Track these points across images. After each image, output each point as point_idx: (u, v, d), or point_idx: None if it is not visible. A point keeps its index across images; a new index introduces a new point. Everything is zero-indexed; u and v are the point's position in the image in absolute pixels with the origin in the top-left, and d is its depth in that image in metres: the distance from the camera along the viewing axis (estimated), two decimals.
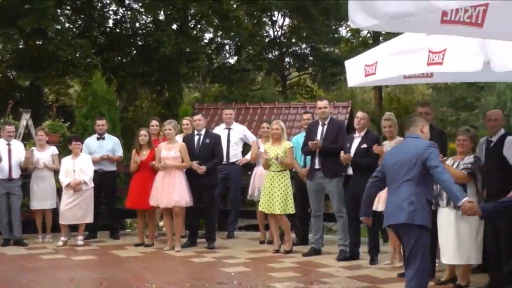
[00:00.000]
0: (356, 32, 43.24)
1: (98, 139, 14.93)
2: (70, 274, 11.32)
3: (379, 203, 11.04)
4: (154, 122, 15.06)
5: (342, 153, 11.59)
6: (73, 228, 14.38)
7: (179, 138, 13.97)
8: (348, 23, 40.19)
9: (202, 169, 13.34)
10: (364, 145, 11.59)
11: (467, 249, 9.56)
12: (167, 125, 13.52)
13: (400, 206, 7.44)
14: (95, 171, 14.37)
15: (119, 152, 15.08)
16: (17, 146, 14.40)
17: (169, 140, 13.50)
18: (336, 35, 43.24)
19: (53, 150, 14.62)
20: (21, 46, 28.40)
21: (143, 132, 14.04)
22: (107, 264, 12.41)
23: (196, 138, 13.78)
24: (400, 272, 10.74)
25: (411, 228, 7.38)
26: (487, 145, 9.67)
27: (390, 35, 11.24)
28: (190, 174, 13.45)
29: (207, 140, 13.72)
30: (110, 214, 15.38)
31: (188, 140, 13.80)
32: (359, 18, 5.26)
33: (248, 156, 14.65)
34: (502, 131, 9.61)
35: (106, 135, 15.09)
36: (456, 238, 9.56)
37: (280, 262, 12.11)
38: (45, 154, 14.47)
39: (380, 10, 5.09)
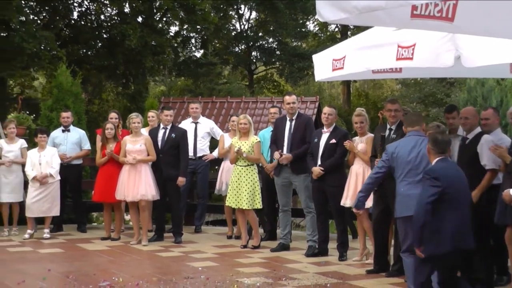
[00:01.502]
0: (324, 26, 43.40)
1: (63, 131, 14.92)
2: (36, 267, 11.36)
3: (347, 199, 11.17)
4: (113, 115, 14.98)
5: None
6: (40, 221, 14.33)
7: (145, 131, 13.97)
8: (316, 17, 40.33)
9: (182, 182, 13.58)
10: (333, 140, 11.61)
11: None
12: (135, 118, 13.52)
13: None
14: (61, 164, 14.36)
15: (86, 145, 15.10)
16: None
17: (134, 133, 13.50)
18: (303, 29, 43.34)
19: (22, 143, 14.55)
20: None
21: (109, 125, 13.97)
22: (74, 257, 12.36)
23: (162, 132, 13.77)
24: (369, 269, 10.86)
25: None
26: (462, 142, 9.68)
27: (358, 30, 11.32)
28: (155, 167, 13.54)
29: (173, 135, 13.72)
30: (76, 208, 15.39)
31: (153, 133, 13.82)
32: (327, 11, 5.27)
33: (215, 153, 14.74)
34: (479, 129, 9.61)
35: (72, 127, 15.09)
36: None
37: (248, 258, 12.15)
38: (14, 147, 14.41)
39: (349, 4, 5.11)
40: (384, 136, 10.40)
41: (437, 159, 8.00)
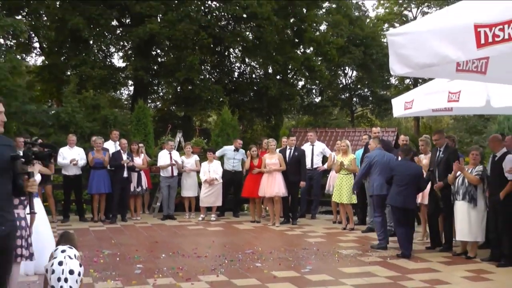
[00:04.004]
0: (402, 80, 42.73)
1: (234, 150, 14.93)
2: (205, 239, 11.51)
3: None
4: (252, 146, 14.99)
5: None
6: (208, 209, 14.48)
7: (277, 150, 13.98)
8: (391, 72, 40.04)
9: (303, 184, 13.79)
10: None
11: (475, 230, 9.45)
12: (271, 142, 13.77)
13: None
14: (230, 171, 14.68)
15: (246, 159, 15.01)
16: (174, 155, 14.61)
17: (271, 152, 13.55)
18: (387, 83, 42.72)
19: (195, 157, 14.78)
20: (178, 90, 28.90)
21: (253, 148, 14.24)
22: (230, 233, 12.48)
23: (288, 151, 13.83)
24: (428, 246, 10.56)
25: None
26: (492, 159, 9.41)
27: (424, 81, 11.21)
28: (284, 175, 13.48)
29: (296, 153, 13.77)
30: (235, 201, 15.41)
31: (283, 152, 13.88)
32: (396, 67, 5.15)
33: (325, 165, 14.64)
34: (504, 149, 9.30)
35: (240, 149, 15.08)
36: (468, 222, 9.46)
37: (346, 236, 12.00)
38: (191, 160, 14.65)
39: (412, 62, 4.98)
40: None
41: (400, 158, 10.30)
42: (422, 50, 4.78)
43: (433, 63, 4.85)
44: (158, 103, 35.03)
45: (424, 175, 10.38)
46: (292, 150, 13.78)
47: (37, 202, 8.34)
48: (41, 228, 8.18)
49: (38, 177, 8.16)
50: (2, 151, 4.24)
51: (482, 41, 4.23)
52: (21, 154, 4.47)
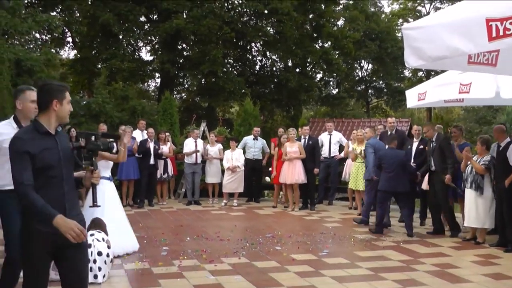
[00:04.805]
0: (415, 72, 42.43)
1: (253, 139, 14.93)
2: (228, 223, 11.55)
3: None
4: (281, 130, 14.99)
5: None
6: (231, 195, 14.49)
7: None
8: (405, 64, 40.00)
9: (317, 171, 13.72)
10: (421, 147, 11.27)
11: (483, 217, 9.43)
12: (291, 131, 13.74)
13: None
14: (251, 159, 14.67)
15: (267, 150, 15.02)
16: (199, 143, 14.63)
17: (291, 140, 13.50)
18: (401, 75, 42.45)
19: (219, 146, 14.78)
20: (202, 82, 28.92)
21: (284, 136, 14.05)
22: (251, 218, 12.49)
23: (303, 140, 13.83)
24: (429, 231, 10.60)
25: None
26: (497, 149, 9.36)
27: (436, 74, 11.15)
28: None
29: (310, 142, 13.79)
30: (256, 187, 15.37)
31: (299, 140, 13.83)
32: (411, 59, 5.11)
33: (342, 154, 14.56)
34: (508, 139, 9.23)
35: (259, 138, 15.07)
36: (476, 209, 9.46)
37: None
38: (214, 148, 14.66)
39: (425, 54, 4.93)
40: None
41: (387, 146, 10.80)
42: (435, 43, 4.74)
43: (445, 56, 4.81)
44: (183, 94, 35.08)
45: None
46: (307, 139, 13.75)
47: (112, 187, 8.45)
48: (117, 214, 8.27)
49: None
50: (66, 142, 3.99)
51: (494, 34, 4.17)
52: (83, 145, 4.22)
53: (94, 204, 4.47)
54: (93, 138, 4.20)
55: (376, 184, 10.81)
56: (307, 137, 13.84)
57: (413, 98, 10.09)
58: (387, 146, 10.89)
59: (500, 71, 5.74)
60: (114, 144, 4.77)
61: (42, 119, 3.88)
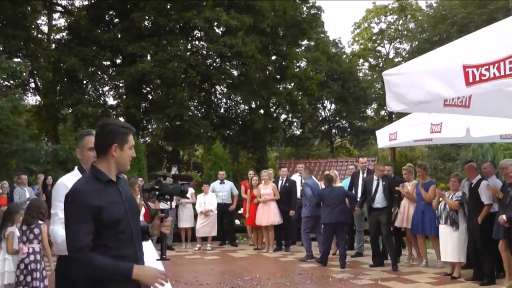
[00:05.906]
0: (378, 111, 43.33)
1: (220, 183, 15.10)
2: (204, 267, 11.59)
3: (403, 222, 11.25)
4: (251, 172, 15.19)
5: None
6: (204, 239, 14.53)
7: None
8: (373, 106, 41.62)
9: (292, 214, 13.83)
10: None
11: (458, 251, 9.74)
12: (264, 173, 14.03)
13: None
14: (221, 203, 14.69)
15: (236, 193, 15.16)
16: None
17: (265, 182, 13.70)
18: (364, 114, 43.31)
19: (191, 190, 14.76)
20: (167, 125, 29.01)
21: (254, 178, 14.39)
22: (227, 261, 12.55)
23: (280, 181, 14.00)
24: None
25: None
26: (469, 186, 9.66)
27: (401, 115, 11.47)
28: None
29: (287, 184, 13.98)
30: (229, 231, 15.43)
31: (275, 182, 14.05)
32: (393, 104, 5.36)
33: None
34: (479, 176, 9.59)
35: (225, 181, 15.26)
36: (451, 244, 9.77)
37: (337, 261, 11.72)
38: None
39: (406, 99, 5.19)
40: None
41: (327, 185, 11.52)
42: (415, 88, 5.02)
43: (426, 100, 5.06)
44: (147, 138, 35.11)
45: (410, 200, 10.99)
46: (284, 181, 13.97)
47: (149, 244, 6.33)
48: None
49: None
50: (129, 191, 3.47)
51: (471, 80, 4.48)
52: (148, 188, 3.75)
53: (163, 258, 3.83)
54: (163, 179, 3.78)
55: (314, 221, 11.91)
56: (285, 178, 14.08)
57: (384, 138, 10.38)
58: (322, 186, 12.03)
59: (472, 112, 6.08)
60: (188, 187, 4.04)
61: (101, 166, 3.30)
